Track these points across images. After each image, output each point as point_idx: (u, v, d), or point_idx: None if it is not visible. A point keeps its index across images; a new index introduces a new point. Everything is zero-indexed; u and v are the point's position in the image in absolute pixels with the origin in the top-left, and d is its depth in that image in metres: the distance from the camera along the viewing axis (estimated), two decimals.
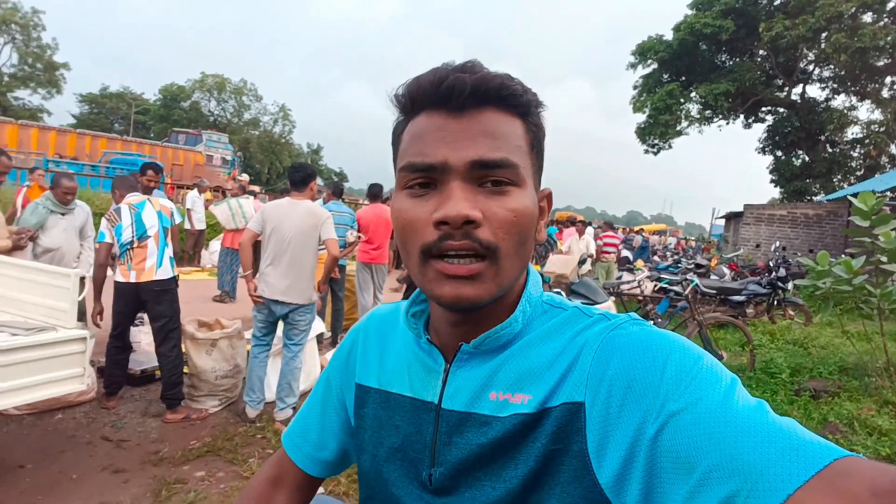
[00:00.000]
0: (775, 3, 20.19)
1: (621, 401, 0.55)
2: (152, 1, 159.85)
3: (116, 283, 3.96)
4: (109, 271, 4.03)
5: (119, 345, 4.05)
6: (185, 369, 4.43)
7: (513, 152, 0.61)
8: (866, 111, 20.84)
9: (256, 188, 11.57)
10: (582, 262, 9.50)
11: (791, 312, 8.58)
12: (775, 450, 0.44)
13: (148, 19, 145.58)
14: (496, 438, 0.62)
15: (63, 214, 4.52)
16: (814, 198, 19.99)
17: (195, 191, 11.12)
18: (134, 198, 4.05)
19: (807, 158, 21.41)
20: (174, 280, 4.05)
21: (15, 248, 3.92)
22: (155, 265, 3.91)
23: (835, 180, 20.61)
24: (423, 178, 0.61)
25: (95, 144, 20.70)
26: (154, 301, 3.93)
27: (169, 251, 4.04)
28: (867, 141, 19.58)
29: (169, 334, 3.99)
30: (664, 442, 0.50)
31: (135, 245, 3.90)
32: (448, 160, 0.59)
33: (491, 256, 0.59)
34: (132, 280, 3.89)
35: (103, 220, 3.96)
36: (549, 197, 0.70)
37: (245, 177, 11.82)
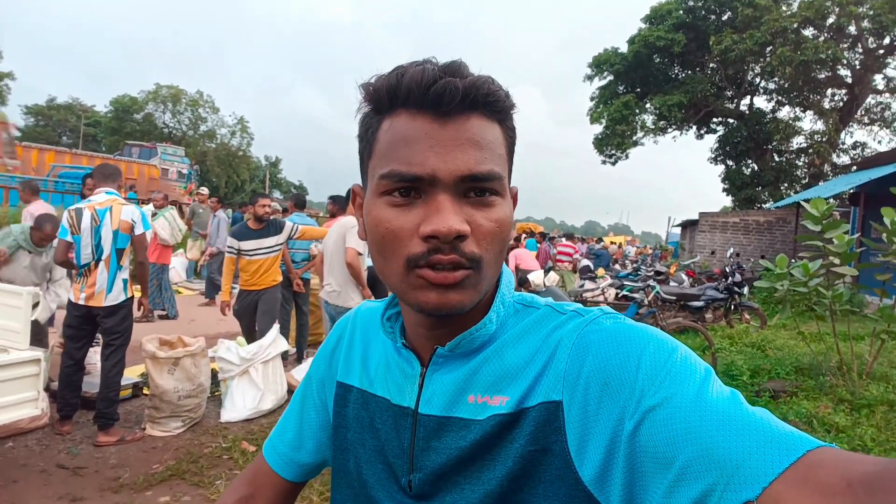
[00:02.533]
0: (724, 18, 21.03)
1: (598, 398, 0.55)
2: (104, 11, 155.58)
3: (69, 301, 3.83)
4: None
5: (72, 364, 3.87)
6: (146, 390, 4.28)
7: (497, 162, 0.60)
8: (809, 122, 21.83)
9: (214, 200, 11.51)
10: (547, 270, 9.62)
11: (747, 316, 8.86)
12: (751, 442, 0.44)
13: (99, 29, 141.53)
14: (475, 441, 0.62)
15: (30, 252, 4.39)
16: (763, 205, 20.75)
17: (151, 205, 10.81)
18: (99, 199, 3.87)
19: (756, 167, 22.24)
20: (128, 301, 3.91)
21: None
22: (105, 291, 3.77)
23: (782, 188, 21.45)
24: (406, 186, 0.59)
25: (43, 157, 19.82)
26: (106, 315, 3.81)
27: (122, 274, 3.85)
28: (811, 150, 20.48)
29: (115, 350, 3.86)
30: (642, 438, 0.50)
31: (92, 267, 3.77)
32: (437, 173, 0.57)
33: (475, 266, 0.58)
34: (82, 302, 3.76)
35: (65, 215, 3.86)
36: (516, 196, 0.70)
37: (205, 190, 11.56)
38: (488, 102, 0.59)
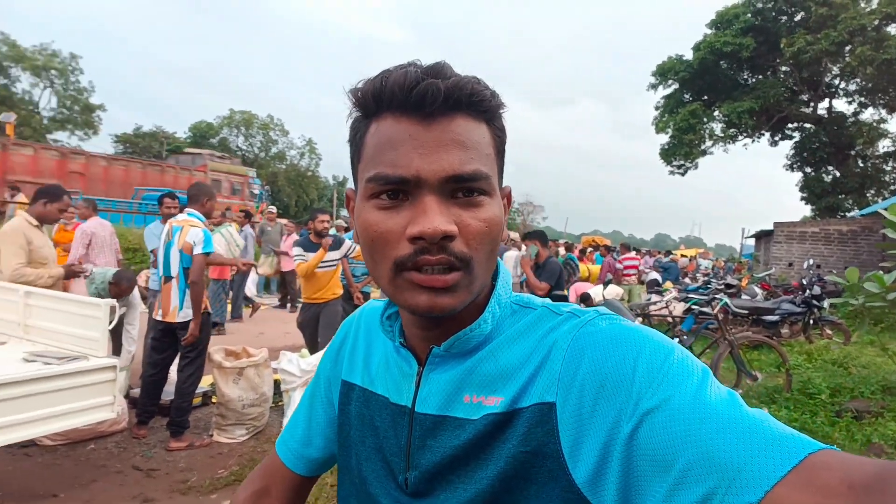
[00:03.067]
0: (796, 19, 20.08)
1: (594, 400, 0.54)
2: (187, 43, 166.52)
3: (150, 318, 4.11)
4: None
5: (154, 372, 4.15)
6: (214, 399, 4.49)
7: (483, 162, 0.60)
8: None
9: (284, 220, 12.01)
10: (607, 283, 9.40)
11: (829, 331, 8.32)
12: (751, 445, 0.44)
13: (181, 60, 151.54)
14: (469, 440, 0.62)
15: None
16: (847, 214, 19.50)
17: (233, 225, 11.38)
18: (180, 218, 4.15)
19: (837, 174, 20.98)
20: (203, 315, 4.10)
21: (69, 276, 4.11)
22: (177, 308, 4.00)
23: (868, 195, 20.11)
24: (393, 189, 0.59)
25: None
26: (181, 329, 4.04)
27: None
28: None
29: (190, 363, 4.06)
30: (640, 441, 0.49)
31: (163, 283, 4.03)
32: (421, 174, 0.57)
33: (465, 267, 0.59)
34: (160, 318, 4.02)
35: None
36: (509, 194, 0.70)
37: (273, 209, 12.07)
38: (473, 102, 0.59)
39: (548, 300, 0.70)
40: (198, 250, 4.01)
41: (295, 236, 9.97)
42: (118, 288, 4.62)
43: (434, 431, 0.65)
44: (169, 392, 4.46)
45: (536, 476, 0.58)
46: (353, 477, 0.75)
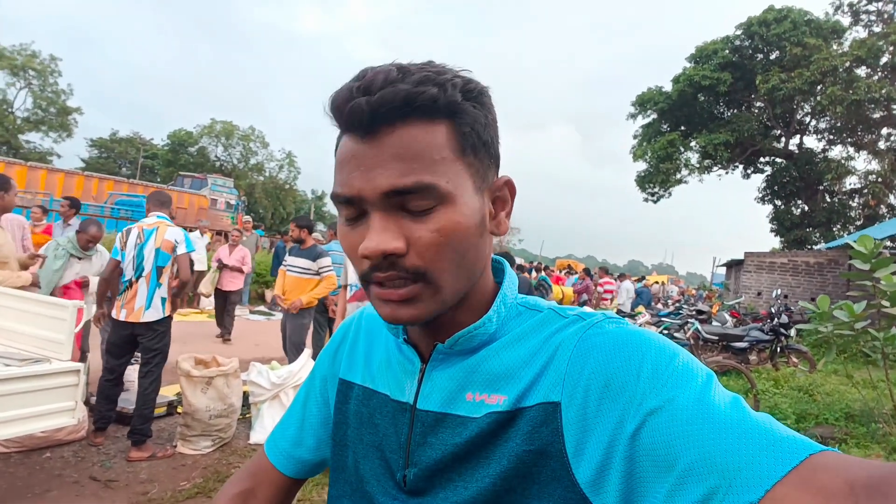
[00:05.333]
0: (771, 58, 20.77)
1: (598, 400, 0.54)
2: (170, 50, 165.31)
3: (112, 319, 3.99)
4: None
5: (112, 378, 4.02)
6: (179, 409, 4.38)
7: (429, 170, 0.56)
8: (863, 162, 21.12)
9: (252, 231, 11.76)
10: (582, 304, 9.45)
11: (795, 359, 8.48)
12: (752, 446, 0.44)
13: (163, 67, 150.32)
14: (470, 438, 0.62)
15: (80, 259, 4.60)
16: (814, 246, 20.04)
17: (196, 232, 11.20)
18: (149, 221, 4.07)
19: (806, 208, 21.59)
20: (166, 319, 4.03)
21: (35, 285, 4.00)
22: (143, 307, 3.89)
23: (834, 229, 20.71)
24: (349, 207, 0.60)
25: (102, 187, 20.97)
26: (144, 335, 3.94)
27: (161, 291, 3.96)
28: (865, 191, 19.79)
29: (153, 368, 3.97)
30: (642, 441, 0.49)
31: (133, 283, 3.92)
32: (362, 192, 0.57)
33: (423, 279, 0.58)
34: (122, 318, 3.90)
35: (118, 236, 4.09)
36: (508, 184, 0.66)
37: (248, 218, 11.92)
38: (415, 108, 0.56)
39: (554, 303, 0.70)
40: (181, 249, 4.01)
41: (241, 247, 9.38)
42: (87, 234, 4.51)
43: (435, 428, 0.65)
44: (129, 400, 4.34)
45: (539, 475, 0.58)
46: (348, 476, 0.74)
